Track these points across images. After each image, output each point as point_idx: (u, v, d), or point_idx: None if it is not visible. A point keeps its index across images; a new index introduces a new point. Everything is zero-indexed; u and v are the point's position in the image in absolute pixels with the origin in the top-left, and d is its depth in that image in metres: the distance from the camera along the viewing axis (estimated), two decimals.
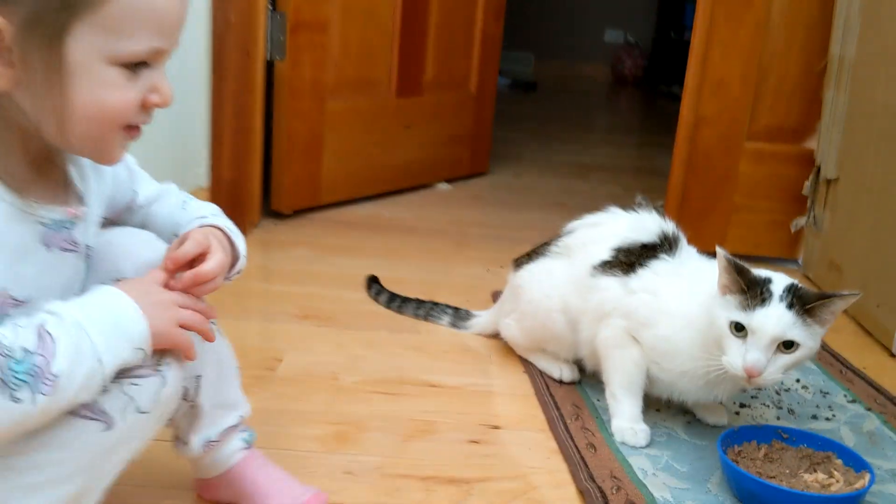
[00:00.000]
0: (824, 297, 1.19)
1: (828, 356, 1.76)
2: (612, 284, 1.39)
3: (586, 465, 1.25)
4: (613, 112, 5.73)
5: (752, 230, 2.35)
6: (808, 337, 1.18)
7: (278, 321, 1.72)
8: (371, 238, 2.33)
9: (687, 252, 1.41)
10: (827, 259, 2.17)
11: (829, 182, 2.17)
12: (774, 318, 1.17)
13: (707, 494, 1.21)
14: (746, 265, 1.24)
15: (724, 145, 2.30)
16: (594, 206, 1.54)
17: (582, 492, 1.19)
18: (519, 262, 1.60)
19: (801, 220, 2.29)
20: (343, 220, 2.47)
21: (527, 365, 1.59)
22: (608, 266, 1.41)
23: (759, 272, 1.24)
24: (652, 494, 1.19)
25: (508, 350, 1.64)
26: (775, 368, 1.19)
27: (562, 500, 1.18)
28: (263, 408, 1.32)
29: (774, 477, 1.21)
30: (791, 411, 1.49)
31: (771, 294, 1.19)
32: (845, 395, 1.58)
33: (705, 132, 2.29)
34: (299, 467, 1.18)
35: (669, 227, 1.44)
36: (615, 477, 1.23)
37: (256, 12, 2.15)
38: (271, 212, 2.39)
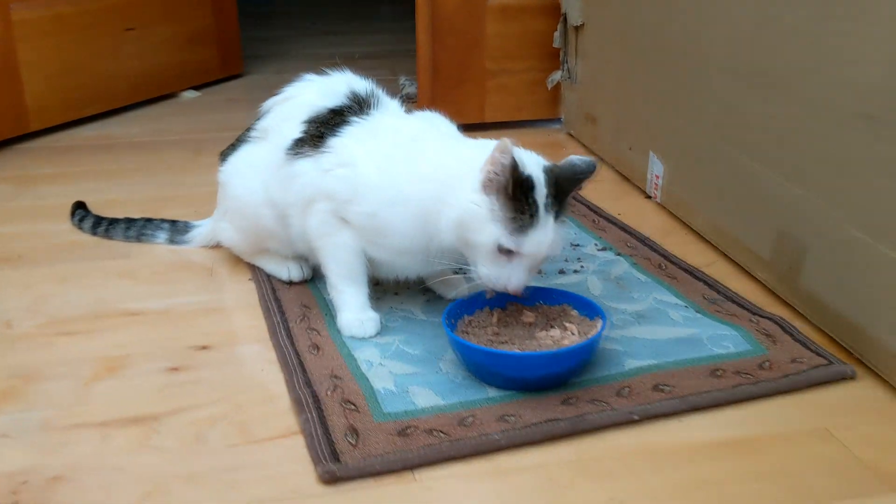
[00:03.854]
0: (573, 181, 1.08)
1: (582, 208, 1.68)
2: (307, 166, 1.19)
3: (304, 370, 1.09)
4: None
5: (512, 94, 2.23)
6: (561, 239, 1.08)
7: None
8: (91, 161, 2.01)
9: (384, 109, 1.23)
10: (583, 112, 2.09)
11: (577, 30, 2.07)
12: (546, 242, 1.05)
13: (437, 375, 1.08)
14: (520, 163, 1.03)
15: (466, 6, 2.13)
16: None
17: (294, 401, 1.03)
18: (224, 154, 1.38)
19: (557, 75, 2.19)
20: (60, 146, 2.13)
21: (254, 271, 1.40)
22: (299, 145, 1.21)
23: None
24: (372, 387, 1.05)
25: (237, 260, 1.44)
26: (528, 276, 1.08)
27: (270, 416, 1.02)
28: None
29: (507, 342, 1.10)
30: (538, 271, 1.39)
31: (537, 208, 1.03)
32: (596, 244, 1.50)
33: None
34: None
35: (362, 84, 1.26)
36: (335, 376, 1.07)
37: None
38: None
